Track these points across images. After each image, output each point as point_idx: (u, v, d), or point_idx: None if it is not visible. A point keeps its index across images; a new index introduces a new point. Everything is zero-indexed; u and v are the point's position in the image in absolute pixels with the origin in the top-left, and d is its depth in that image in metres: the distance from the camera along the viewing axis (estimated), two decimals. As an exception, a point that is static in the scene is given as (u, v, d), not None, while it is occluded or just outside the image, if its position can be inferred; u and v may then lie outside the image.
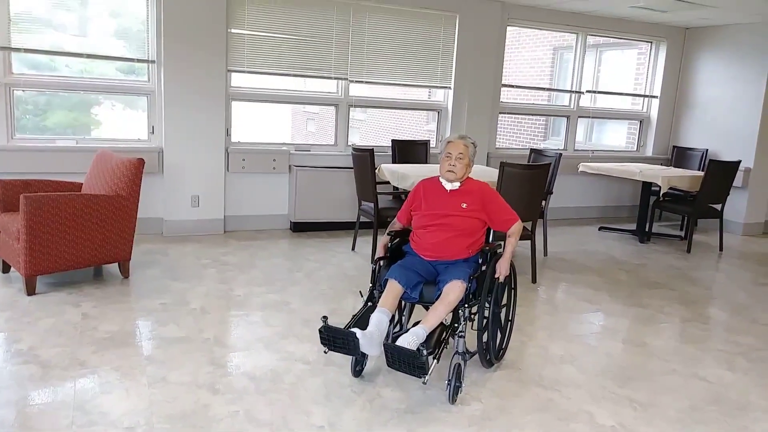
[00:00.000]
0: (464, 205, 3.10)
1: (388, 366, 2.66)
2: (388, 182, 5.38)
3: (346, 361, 3.20)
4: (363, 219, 5.39)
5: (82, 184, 4.54)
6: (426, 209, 3.16)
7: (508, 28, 6.76)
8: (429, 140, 6.42)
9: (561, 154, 5.72)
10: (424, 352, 2.57)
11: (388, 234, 3.25)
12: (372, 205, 5.08)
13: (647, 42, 7.69)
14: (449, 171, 3.11)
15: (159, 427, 2.51)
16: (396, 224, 3.33)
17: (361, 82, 6.19)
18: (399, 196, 5.60)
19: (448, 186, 3.15)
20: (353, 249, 5.50)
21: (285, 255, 5.24)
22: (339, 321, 3.73)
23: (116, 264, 4.34)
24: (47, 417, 2.54)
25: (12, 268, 4.27)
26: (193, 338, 3.40)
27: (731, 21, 6.94)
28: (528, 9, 6.71)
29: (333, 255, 5.29)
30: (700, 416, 2.87)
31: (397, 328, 3.16)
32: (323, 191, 6.01)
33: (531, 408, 2.85)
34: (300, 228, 6.05)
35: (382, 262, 3.12)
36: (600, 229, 7.01)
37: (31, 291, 3.88)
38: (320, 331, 2.74)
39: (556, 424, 2.72)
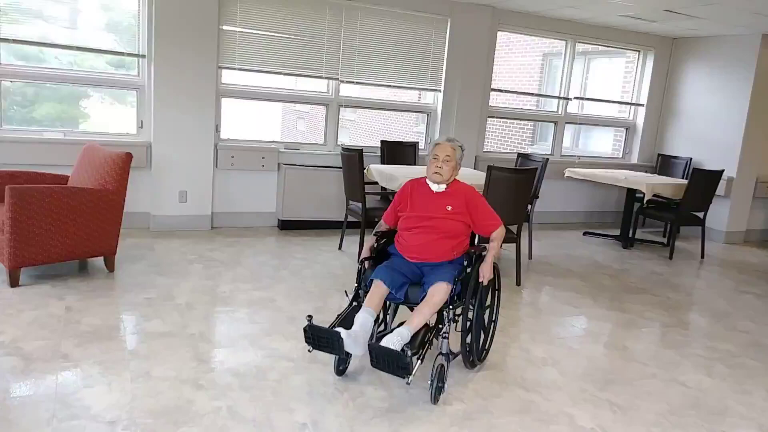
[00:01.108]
0: (449, 208, 3.12)
1: (372, 366, 2.69)
2: (376, 182, 5.40)
3: (330, 359, 3.21)
4: (350, 218, 5.41)
5: (68, 177, 4.52)
6: (412, 210, 3.17)
7: (499, 33, 6.81)
8: (418, 142, 6.45)
9: (548, 159, 5.77)
10: (409, 352, 2.59)
11: (374, 235, 3.26)
12: (360, 204, 5.10)
13: (635, 51, 7.78)
14: (436, 173, 3.12)
15: (141, 421, 2.51)
16: (383, 225, 3.34)
17: (352, 82, 6.21)
18: (387, 196, 5.62)
19: (435, 188, 3.16)
20: (340, 248, 5.51)
21: (272, 253, 5.24)
22: (324, 319, 3.74)
23: (102, 258, 4.32)
24: (28, 410, 2.53)
25: (-5, 260, 4.23)
26: (177, 334, 3.40)
27: (717, 32, 7.04)
28: (518, 15, 6.76)
29: (320, 254, 5.30)
30: (679, 420, 2.92)
31: (382, 328, 3.18)
32: (311, 190, 6.02)
33: (512, 409, 2.88)
34: (287, 226, 6.06)
35: (367, 263, 3.13)
36: (584, 234, 7.08)
37: (14, 283, 3.85)
38: (305, 330, 2.76)
39: (537, 426, 2.75)
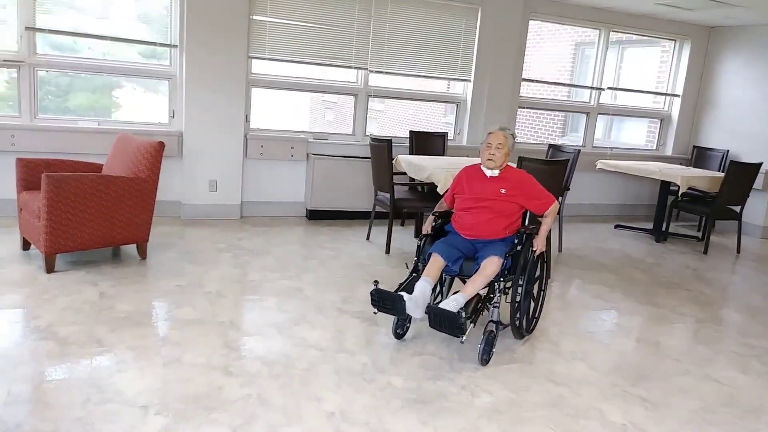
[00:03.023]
0: (503, 191, 3.38)
1: (430, 326, 3.03)
2: (404, 173, 5.39)
3: (358, 348, 3.23)
4: (378, 209, 5.40)
5: (102, 165, 4.59)
6: (468, 193, 3.45)
7: (530, 22, 6.71)
8: (447, 132, 6.40)
9: (579, 151, 5.67)
10: (463, 314, 2.94)
11: (432, 215, 3.56)
12: (388, 195, 5.08)
13: (671, 40, 7.59)
14: (489, 159, 3.38)
15: (173, 407, 2.55)
16: (443, 204, 3.64)
17: (381, 72, 6.18)
18: (415, 187, 5.60)
19: (489, 173, 3.42)
20: (368, 238, 5.51)
21: (300, 242, 5.27)
22: (352, 309, 3.78)
23: (134, 245, 4.39)
24: (63, 393, 2.59)
25: (32, 246, 4.32)
26: (207, 321, 3.44)
27: (757, 21, 6.83)
28: (551, 3, 6.64)
29: (347, 244, 5.31)
30: (712, 418, 2.86)
31: (438, 300, 3.41)
32: (340, 180, 6.02)
33: (541, 403, 2.85)
34: (316, 216, 6.08)
35: (426, 239, 3.44)
36: (616, 227, 6.97)
37: (50, 269, 3.94)
38: (371, 293, 3.11)
39: (566, 420, 2.72)
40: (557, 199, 5.05)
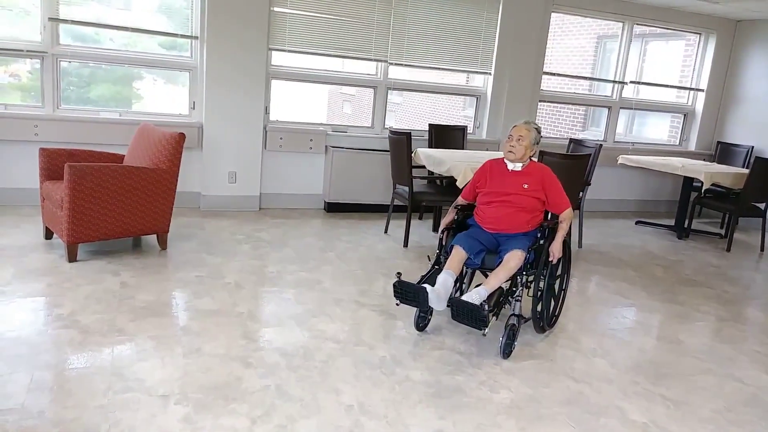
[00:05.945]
0: (526, 186, 3.38)
1: (453, 318, 3.04)
2: (423, 166, 5.36)
3: (376, 341, 3.23)
4: (397, 202, 5.38)
5: (123, 156, 4.63)
6: (491, 187, 3.46)
7: (553, 15, 6.63)
8: (466, 126, 6.36)
9: (601, 145, 5.61)
10: (486, 306, 2.95)
11: (454, 207, 3.57)
12: (406, 188, 5.06)
13: (696, 33, 7.46)
14: (509, 151, 3.40)
15: (193, 396, 2.56)
16: (460, 200, 3.64)
17: (401, 64, 6.15)
18: (434, 180, 5.58)
19: (511, 166, 3.43)
20: (386, 232, 5.50)
21: (318, 234, 5.27)
22: (371, 303, 3.77)
23: (155, 235, 4.42)
24: (85, 381, 2.61)
25: (54, 235, 4.38)
26: (227, 312, 3.46)
27: (786, 14, 6.70)
28: (574, -5, 6.57)
29: (365, 237, 5.31)
30: (735, 417, 2.82)
31: (459, 292, 3.45)
32: (358, 173, 6.01)
33: (561, 400, 2.83)
34: (334, 208, 6.08)
35: (448, 232, 3.46)
36: (637, 223, 6.89)
37: (72, 258, 3.98)
38: (394, 285, 3.13)
39: (586, 418, 2.70)
40: (578, 194, 5.03)
